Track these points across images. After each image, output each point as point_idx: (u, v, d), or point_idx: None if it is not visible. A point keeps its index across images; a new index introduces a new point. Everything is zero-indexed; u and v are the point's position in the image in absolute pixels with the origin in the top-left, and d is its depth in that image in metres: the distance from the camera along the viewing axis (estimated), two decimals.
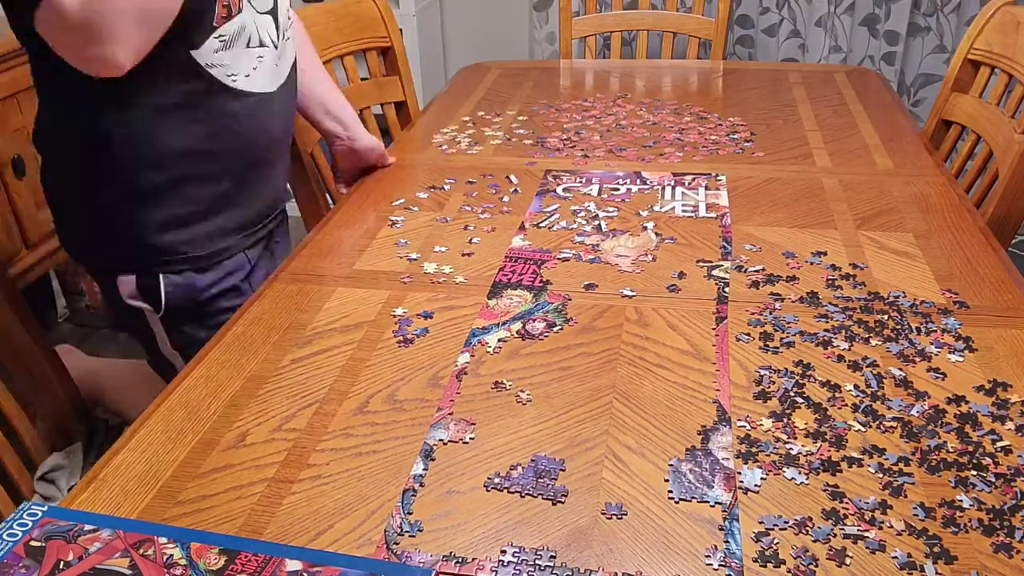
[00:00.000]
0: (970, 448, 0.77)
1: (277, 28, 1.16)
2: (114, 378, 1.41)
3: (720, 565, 0.66)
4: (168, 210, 1.10)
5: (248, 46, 1.11)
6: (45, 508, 0.71)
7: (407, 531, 0.70)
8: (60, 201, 1.17)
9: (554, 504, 0.73)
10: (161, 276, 1.13)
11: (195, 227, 1.13)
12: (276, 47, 1.16)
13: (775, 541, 0.68)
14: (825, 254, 1.11)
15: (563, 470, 0.76)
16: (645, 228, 1.18)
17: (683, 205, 1.26)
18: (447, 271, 1.10)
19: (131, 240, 1.11)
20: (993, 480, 0.74)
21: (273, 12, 1.15)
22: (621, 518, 0.71)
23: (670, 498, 0.72)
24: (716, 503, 0.72)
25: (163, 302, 1.14)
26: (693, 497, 0.72)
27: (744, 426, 0.81)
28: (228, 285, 1.19)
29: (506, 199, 1.30)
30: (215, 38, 1.05)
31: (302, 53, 1.32)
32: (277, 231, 1.32)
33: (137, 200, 1.09)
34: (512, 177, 1.37)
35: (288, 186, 1.33)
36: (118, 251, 1.14)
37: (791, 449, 0.78)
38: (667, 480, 0.75)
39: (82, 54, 0.95)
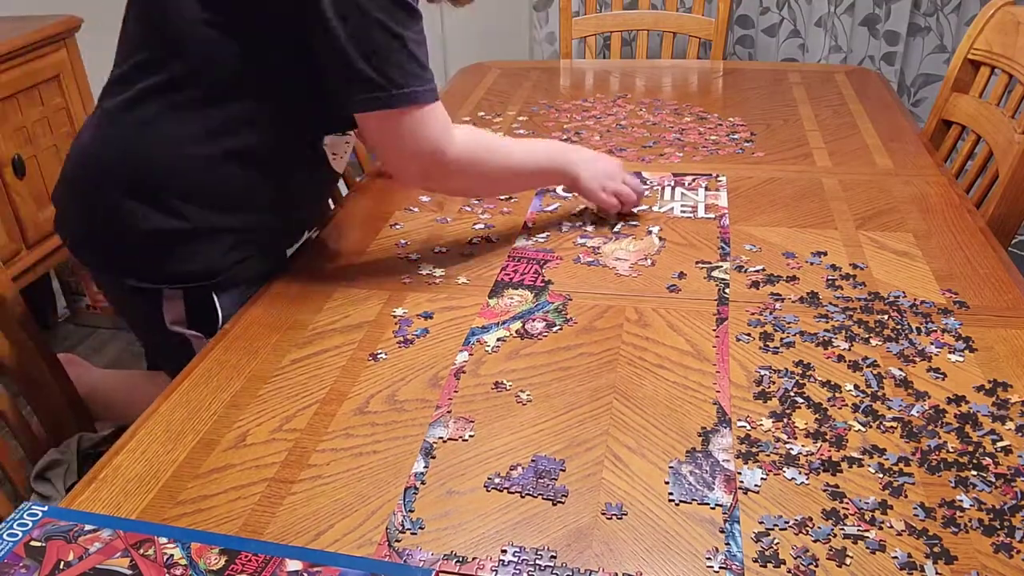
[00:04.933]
0: (970, 448, 0.77)
1: None
2: (123, 388, 1.39)
3: (721, 568, 0.66)
4: (239, 251, 1.08)
5: (342, 133, 1.15)
6: (45, 508, 0.71)
7: (409, 529, 0.70)
8: (136, 228, 1.07)
9: (554, 504, 0.73)
10: (215, 296, 1.08)
11: (251, 256, 1.10)
12: (353, 134, 1.19)
13: (775, 541, 0.68)
14: (825, 254, 1.11)
15: (563, 470, 0.76)
16: (650, 232, 1.18)
17: (682, 206, 1.26)
18: (447, 272, 1.10)
19: (198, 263, 1.07)
20: (993, 480, 0.74)
21: None
22: (621, 518, 0.71)
23: (671, 500, 0.72)
24: (717, 505, 0.72)
25: (219, 317, 1.08)
26: (693, 499, 0.72)
27: (744, 426, 0.81)
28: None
29: (505, 198, 1.30)
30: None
31: None
32: None
33: (196, 233, 1.06)
34: None
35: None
36: (179, 272, 1.08)
37: (791, 449, 0.78)
38: (667, 482, 0.75)
39: (422, 175, 1.09)
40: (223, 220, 1.06)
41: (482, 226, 1.22)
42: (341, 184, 1.62)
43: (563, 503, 0.73)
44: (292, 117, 1.06)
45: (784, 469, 0.76)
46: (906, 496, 0.72)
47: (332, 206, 1.38)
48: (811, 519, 0.70)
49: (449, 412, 0.84)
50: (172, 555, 0.67)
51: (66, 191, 1.12)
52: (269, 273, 1.12)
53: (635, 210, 1.23)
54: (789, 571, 0.66)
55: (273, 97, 1.03)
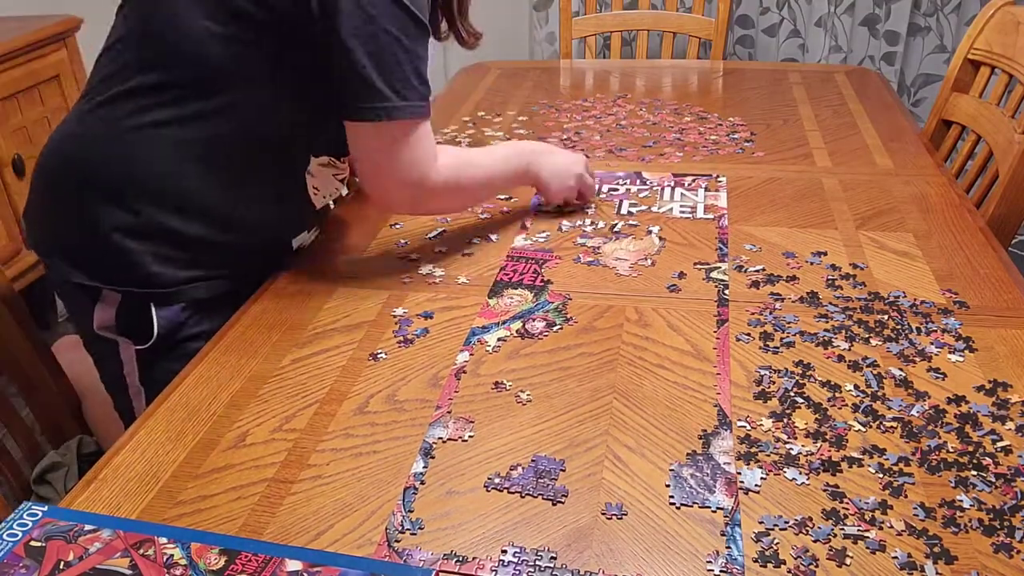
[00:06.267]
0: (970, 448, 0.77)
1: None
2: (96, 399, 1.34)
3: (722, 571, 0.66)
4: (198, 267, 1.06)
5: (333, 176, 1.15)
6: (45, 508, 0.71)
7: (408, 529, 0.70)
8: (80, 215, 1.05)
9: (554, 504, 0.73)
10: (153, 308, 1.04)
11: (215, 281, 1.08)
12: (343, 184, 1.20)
13: (775, 541, 0.68)
14: (825, 254, 1.11)
15: (563, 470, 0.76)
16: (649, 232, 1.18)
17: (681, 206, 1.26)
18: (447, 272, 1.10)
19: (140, 271, 1.03)
20: (993, 480, 0.74)
21: None
22: (621, 518, 0.71)
23: (671, 503, 0.72)
24: (718, 508, 0.72)
25: (155, 332, 1.05)
26: (695, 502, 0.72)
27: (744, 426, 0.81)
28: (223, 321, 1.09)
29: (504, 197, 1.30)
30: (329, 156, 1.12)
31: None
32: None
33: (144, 234, 1.03)
34: None
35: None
36: (115, 274, 1.04)
37: (791, 449, 0.78)
38: (668, 485, 0.75)
39: (409, 201, 1.10)
40: (172, 221, 1.02)
41: (482, 226, 1.22)
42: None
43: (563, 503, 0.73)
44: (272, 128, 1.04)
45: (784, 469, 0.76)
46: (906, 496, 0.72)
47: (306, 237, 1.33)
48: (811, 519, 0.70)
49: (449, 412, 0.84)
50: (172, 555, 0.67)
51: (34, 179, 1.10)
52: (227, 301, 1.07)
53: (634, 210, 1.23)
54: (789, 571, 0.66)
55: (258, 105, 1.01)
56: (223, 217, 1.05)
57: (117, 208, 1.01)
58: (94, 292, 1.05)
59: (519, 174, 1.20)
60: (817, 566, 0.66)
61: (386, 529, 0.71)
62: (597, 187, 1.30)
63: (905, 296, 1.01)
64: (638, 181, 1.34)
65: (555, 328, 0.98)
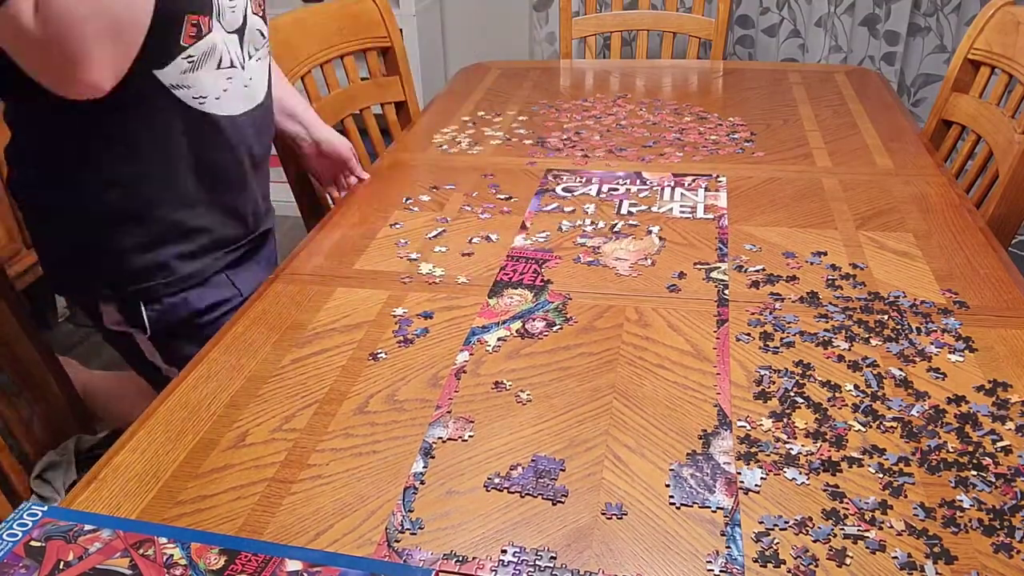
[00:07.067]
0: (970, 448, 0.77)
1: (242, 48, 1.11)
2: (111, 389, 1.40)
3: (721, 571, 0.66)
4: (137, 237, 1.07)
5: (219, 67, 1.06)
6: (45, 508, 0.71)
7: (408, 529, 0.70)
8: (38, 233, 1.13)
9: (554, 504, 0.73)
10: (142, 305, 1.10)
11: (166, 250, 1.09)
12: (243, 68, 1.11)
13: (775, 541, 0.68)
14: (825, 254, 1.11)
15: (563, 470, 0.76)
16: (649, 232, 1.18)
17: (681, 206, 1.26)
18: (447, 271, 1.10)
19: (105, 268, 1.09)
20: (993, 480, 0.74)
21: (240, 31, 1.10)
22: (621, 518, 0.71)
23: (671, 503, 0.72)
24: (718, 508, 0.72)
25: (147, 327, 1.11)
26: (695, 502, 0.72)
27: (744, 426, 0.81)
28: (216, 299, 1.15)
29: (504, 197, 1.30)
30: (183, 58, 1.01)
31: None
32: (264, 247, 1.27)
33: (108, 225, 1.06)
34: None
35: (270, 204, 1.28)
36: (94, 279, 1.10)
37: (791, 449, 0.78)
38: (668, 485, 0.75)
39: (57, 75, 0.90)
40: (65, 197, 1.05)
41: (482, 226, 1.22)
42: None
43: (563, 503, 0.73)
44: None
45: (784, 469, 0.76)
46: (906, 496, 0.72)
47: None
48: (811, 519, 0.70)
49: (449, 412, 0.84)
50: (172, 555, 0.67)
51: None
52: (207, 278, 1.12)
53: (634, 210, 1.23)
54: (789, 571, 0.66)
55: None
56: (135, 186, 1.05)
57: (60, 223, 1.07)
58: (94, 297, 1.10)
59: None
60: (817, 566, 0.66)
61: (386, 529, 0.71)
62: (598, 188, 1.28)
63: (905, 296, 1.01)
64: (638, 181, 1.34)
65: (555, 328, 0.98)
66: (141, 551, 0.67)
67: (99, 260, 1.09)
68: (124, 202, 1.05)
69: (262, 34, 1.16)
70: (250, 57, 1.13)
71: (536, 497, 0.74)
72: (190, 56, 1.02)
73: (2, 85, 0.99)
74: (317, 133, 1.36)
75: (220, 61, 1.06)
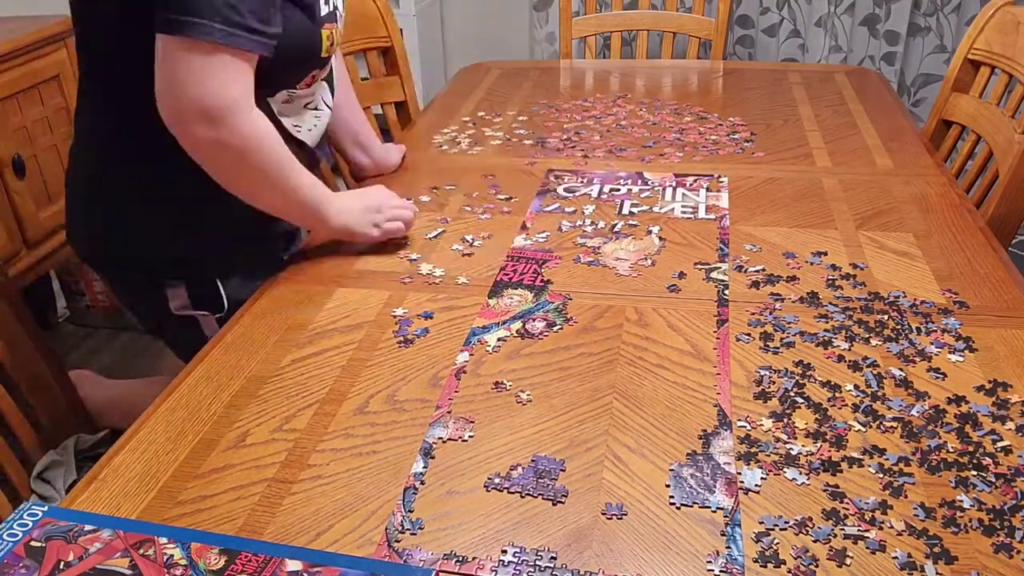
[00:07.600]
0: (970, 448, 0.77)
1: (331, 94, 1.23)
2: (138, 399, 1.40)
3: (722, 571, 0.66)
4: (218, 213, 1.12)
5: (306, 108, 1.17)
6: (45, 508, 0.71)
7: (408, 529, 0.70)
8: (109, 221, 1.14)
9: (554, 504, 0.73)
10: (218, 282, 1.16)
11: (242, 227, 1.15)
12: (329, 110, 1.22)
13: (775, 541, 0.68)
14: (825, 254, 1.11)
15: (563, 470, 0.76)
16: (650, 232, 1.18)
17: (683, 206, 1.26)
18: (447, 272, 1.10)
19: (184, 243, 1.14)
20: (993, 480, 0.74)
21: (329, 79, 1.22)
22: (621, 518, 0.71)
23: (671, 503, 0.72)
24: (718, 508, 0.72)
25: (224, 303, 1.16)
26: (695, 502, 0.72)
27: (744, 426, 0.81)
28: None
29: (504, 198, 1.30)
30: (287, 91, 1.12)
31: (340, 84, 1.33)
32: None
33: (193, 203, 1.11)
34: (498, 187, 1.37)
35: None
36: (164, 261, 1.15)
37: (791, 449, 0.78)
38: (668, 485, 0.75)
39: (195, 151, 1.01)
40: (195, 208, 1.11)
41: (482, 226, 1.22)
42: (340, 185, 1.62)
43: (563, 503, 0.73)
44: None
45: (784, 469, 0.76)
46: (906, 496, 0.72)
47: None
48: (811, 519, 0.70)
49: (449, 412, 0.84)
50: (172, 555, 0.67)
51: (68, 194, 1.19)
52: (267, 263, 1.15)
53: (635, 210, 1.23)
54: (789, 571, 0.66)
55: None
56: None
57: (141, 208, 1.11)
58: (159, 284, 1.15)
59: (312, 207, 1.10)
60: (817, 566, 0.66)
61: (386, 529, 0.71)
62: (599, 189, 1.28)
63: (905, 296, 1.01)
64: (640, 181, 1.34)
65: (555, 328, 0.98)
66: (141, 551, 0.67)
67: (177, 237, 1.14)
68: (197, 201, 1.10)
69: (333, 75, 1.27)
70: (331, 99, 1.25)
71: (536, 497, 0.74)
72: (292, 92, 1.13)
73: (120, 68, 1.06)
74: (377, 157, 1.42)
75: (309, 103, 1.18)
